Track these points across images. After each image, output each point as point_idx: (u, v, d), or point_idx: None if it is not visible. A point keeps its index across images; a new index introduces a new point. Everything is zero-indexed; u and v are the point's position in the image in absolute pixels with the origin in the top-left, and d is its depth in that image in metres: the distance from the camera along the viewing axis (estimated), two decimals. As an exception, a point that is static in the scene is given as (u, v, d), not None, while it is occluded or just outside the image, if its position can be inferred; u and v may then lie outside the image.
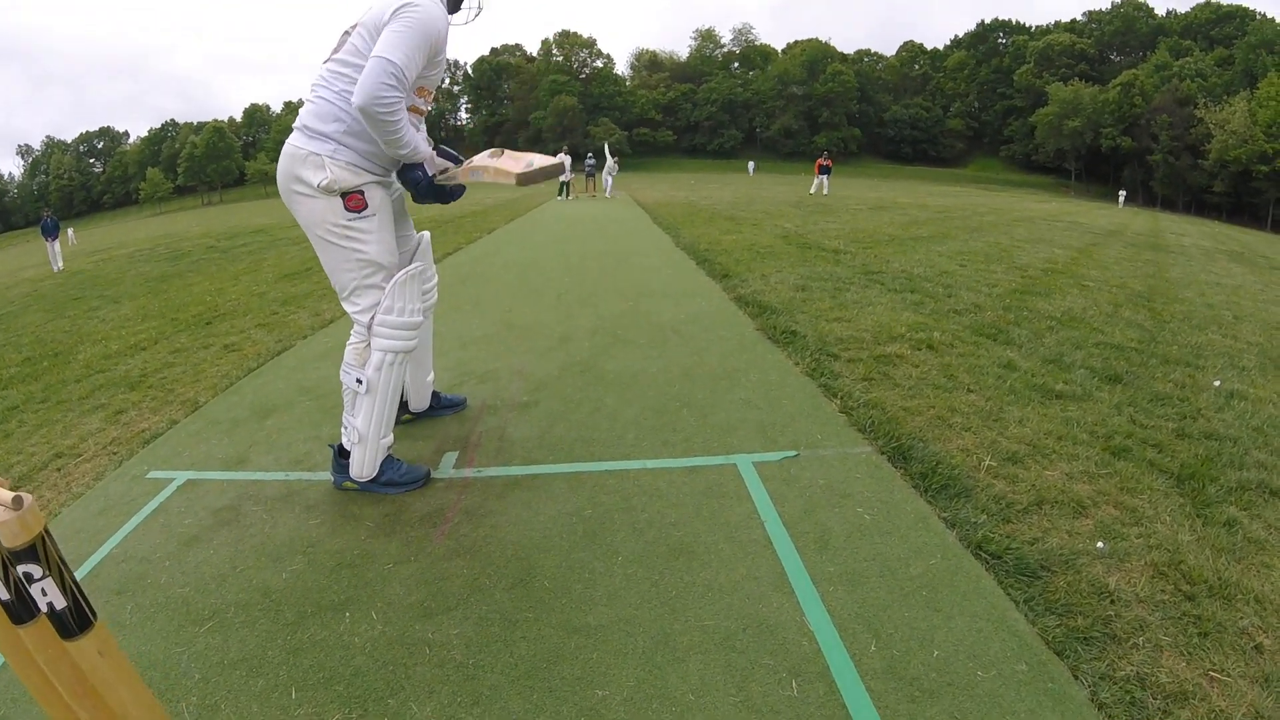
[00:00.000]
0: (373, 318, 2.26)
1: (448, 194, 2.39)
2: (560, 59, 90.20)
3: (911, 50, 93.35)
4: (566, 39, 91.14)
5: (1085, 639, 1.64)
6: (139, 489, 2.63)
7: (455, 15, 2.36)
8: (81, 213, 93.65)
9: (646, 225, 12.07)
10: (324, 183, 2.14)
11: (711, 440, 2.69)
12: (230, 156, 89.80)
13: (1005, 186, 64.90)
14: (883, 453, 2.56)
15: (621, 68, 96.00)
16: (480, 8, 2.42)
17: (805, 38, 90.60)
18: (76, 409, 3.81)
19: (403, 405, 2.80)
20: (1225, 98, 57.49)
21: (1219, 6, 74.88)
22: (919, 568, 1.91)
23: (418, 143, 2.19)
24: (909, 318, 4.68)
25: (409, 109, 2.22)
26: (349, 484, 2.36)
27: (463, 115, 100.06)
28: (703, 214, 14.41)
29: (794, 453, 2.55)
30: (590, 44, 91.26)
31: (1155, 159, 62.13)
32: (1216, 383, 3.87)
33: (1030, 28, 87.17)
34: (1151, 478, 2.50)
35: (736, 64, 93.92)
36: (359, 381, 2.26)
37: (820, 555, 1.96)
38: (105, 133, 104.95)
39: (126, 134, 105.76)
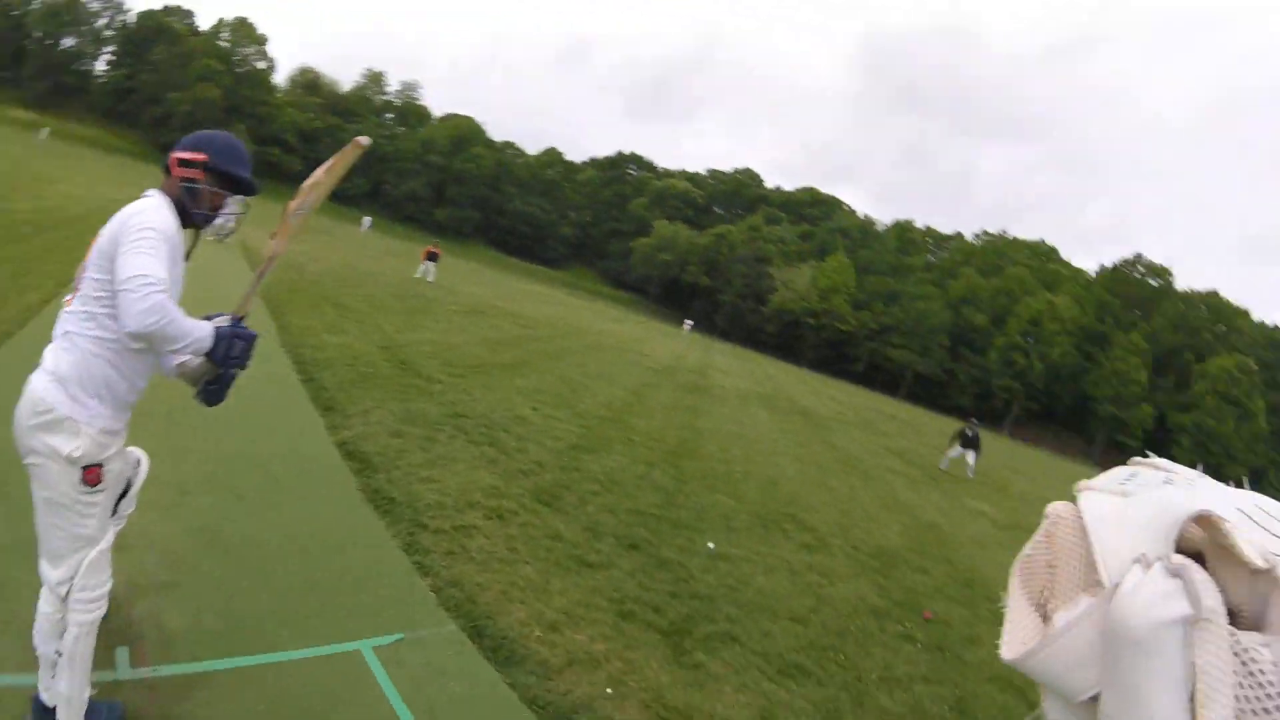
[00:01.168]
0: (68, 593, 2.28)
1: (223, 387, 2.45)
2: (226, 45, 78.44)
3: (552, 157, 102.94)
4: (242, 28, 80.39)
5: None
6: None
7: (207, 229, 2.45)
8: None
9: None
10: (74, 454, 2.13)
11: (337, 626, 3.47)
12: None
13: (594, 297, 74.26)
14: (464, 631, 3.66)
15: (280, 77, 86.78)
16: (233, 223, 2.49)
17: (463, 113, 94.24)
18: None
19: None
20: (797, 263, 75.96)
21: (817, 192, 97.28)
22: (497, 725, 3.03)
23: (195, 330, 2.16)
24: (485, 478, 5.83)
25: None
26: None
27: (101, 65, 79.33)
28: (310, 291, 14.28)
29: (400, 635, 3.53)
30: (262, 41, 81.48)
31: (725, 299, 78.27)
32: (710, 545, 5.52)
33: (659, 168, 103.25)
34: (648, 635, 3.94)
35: (391, 115, 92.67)
36: (58, 653, 2.31)
37: (431, 726, 2.96)
38: None
39: None
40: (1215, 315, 69.03)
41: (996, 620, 1.48)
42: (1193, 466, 1.51)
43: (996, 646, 1.43)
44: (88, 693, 2.42)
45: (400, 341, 11.30)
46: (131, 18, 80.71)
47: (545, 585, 4.30)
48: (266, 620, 3.41)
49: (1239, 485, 1.43)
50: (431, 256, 26.03)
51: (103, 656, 2.91)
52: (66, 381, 2.14)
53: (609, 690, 3.40)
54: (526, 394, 9.87)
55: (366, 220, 60.97)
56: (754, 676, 3.84)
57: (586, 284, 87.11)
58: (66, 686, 2.33)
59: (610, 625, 4.02)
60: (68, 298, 2.25)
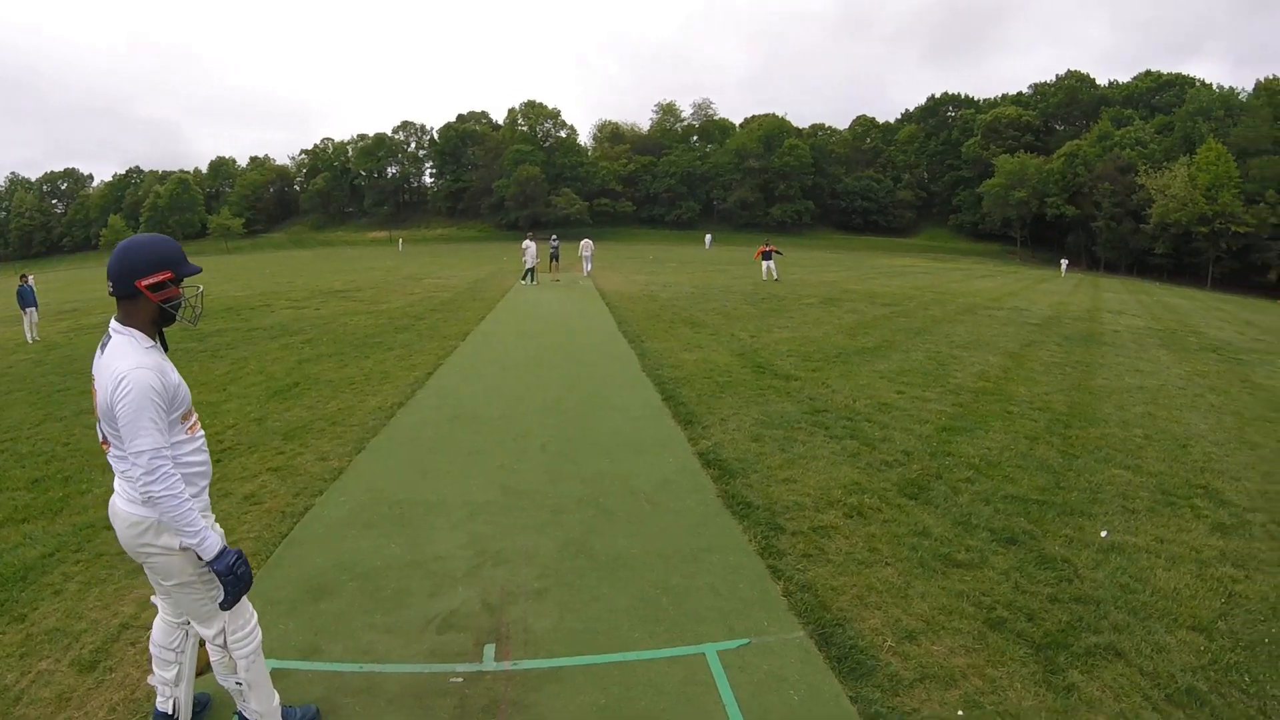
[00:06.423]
0: (224, 641, 2.63)
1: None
2: (525, 128, 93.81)
3: (864, 124, 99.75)
4: (532, 109, 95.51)
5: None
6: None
7: (184, 319, 2.56)
8: (40, 254, 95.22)
9: (612, 334, 13.01)
10: (185, 543, 2.39)
11: (686, 630, 3.52)
12: (194, 209, 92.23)
13: (953, 255, 68.05)
14: (812, 637, 3.42)
15: (584, 138, 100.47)
16: (196, 312, 2.61)
17: (763, 113, 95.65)
18: (120, 566, 4.11)
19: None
20: (1165, 163, 61.98)
21: (1159, 75, 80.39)
22: (830, 740, 2.77)
23: (203, 535, 2.37)
24: (846, 474, 5.58)
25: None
26: None
27: (427, 179, 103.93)
28: (664, 315, 15.51)
29: (747, 640, 3.41)
30: (555, 114, 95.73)
31: (1098, 225, 66.28)
32: (1104, 534, 4.58)
33: (979, 101, 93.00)
34: (1016, 648, 3.34)
35: (696, 137, 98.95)
36: (239, 684, 2.70)
37: (764, 733, 2.80)
38: (70, 174, 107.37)
39: (91, 177, 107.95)
40: None
41: None
42: None
43: None
44: (275, 701, 2.81)
45: (756, 345, 11.59)
46: (435, 135, 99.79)
47: (906, 588, 3.89)
48: (621, 623, 3.59)
49: None
50: (766, 255, 26.26)
51: (471, 651, 3.38)
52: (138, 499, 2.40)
53: (960, 713, 2.93)
54: (890, 377, 9.30)
55: (708, 238, 64.70)
56: (1135, 703, 3.00)
57: (942, 244, 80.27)
58: (256, 704, 2.75)
59: (974, 635, 3.47)
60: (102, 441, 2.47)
